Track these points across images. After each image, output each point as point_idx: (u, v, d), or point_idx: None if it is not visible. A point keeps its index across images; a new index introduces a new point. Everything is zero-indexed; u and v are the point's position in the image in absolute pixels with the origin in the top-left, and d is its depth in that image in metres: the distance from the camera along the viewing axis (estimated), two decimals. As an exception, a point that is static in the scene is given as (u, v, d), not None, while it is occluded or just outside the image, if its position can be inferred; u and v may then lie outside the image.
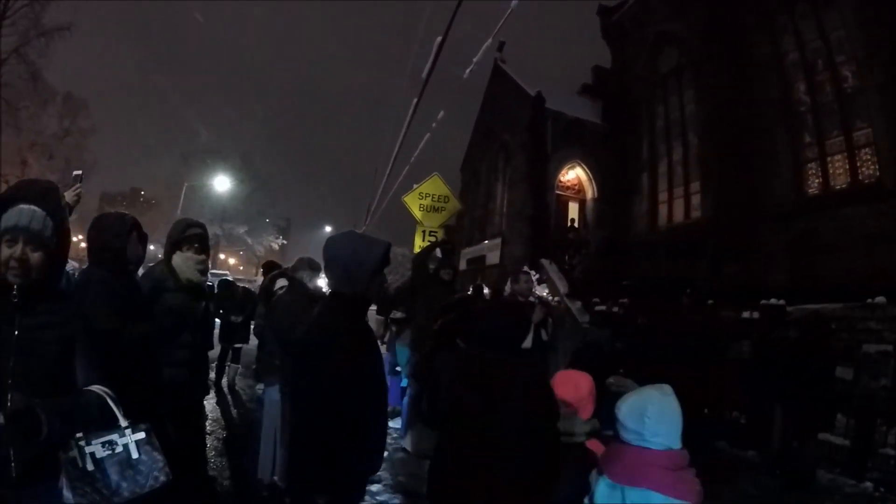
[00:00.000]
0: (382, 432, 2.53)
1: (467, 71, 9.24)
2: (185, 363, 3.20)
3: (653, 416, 2.10)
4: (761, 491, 5.75)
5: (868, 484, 5.85)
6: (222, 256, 45.33)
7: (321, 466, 2.25)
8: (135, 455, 2.03)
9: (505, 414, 2.41)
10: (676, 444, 2.14)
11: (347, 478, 2.32)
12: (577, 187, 21.20)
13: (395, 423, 7.02)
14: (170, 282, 3.22)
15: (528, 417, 2.42)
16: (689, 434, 2.16)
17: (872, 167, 11.41)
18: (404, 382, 7.11)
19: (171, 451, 3.05)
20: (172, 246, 3.30)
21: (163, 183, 43.43)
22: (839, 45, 12.28)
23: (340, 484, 2.30)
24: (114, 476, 1.93)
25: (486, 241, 23.14)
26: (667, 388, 2.21)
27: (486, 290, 10.78)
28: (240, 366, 9.29)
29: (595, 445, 2.58)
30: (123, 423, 2.01)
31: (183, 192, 34.72)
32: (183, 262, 3.28)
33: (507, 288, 7.14)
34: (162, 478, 2.09)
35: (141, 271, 3.35)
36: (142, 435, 2.08)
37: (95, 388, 1.96)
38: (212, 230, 38.85)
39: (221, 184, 37.71)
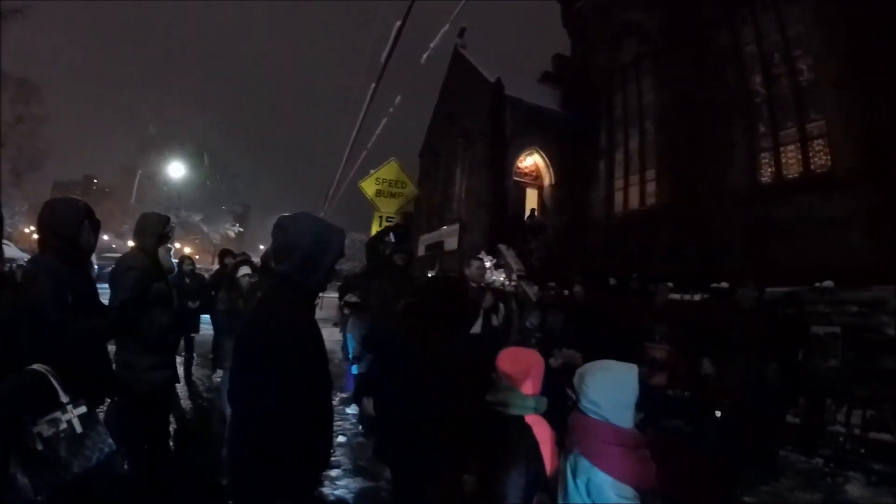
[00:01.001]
0: (330, 430, 2.39)
1: (424, 56, 9.21)
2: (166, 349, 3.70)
3: (591, 381, 2.15)
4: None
5: (819, 460, 5.96)
6: (178, 245, 44.02)
7: (262, 465, 2.06)
8: (79, 430, 2.12)
9: (436, 378, 2.65)
10: (619, 421, 2.13)
11: (296, 479, 2.14)
12: (534, 174, 21.25)
13: (352, 409, 6.93)
14: (155, 273, 3.62)
15: (458, 383, 2.63)
16: (645, 413, 2.26)
17: (825, 157, 11.66)
18: (355, 369, 7.02)
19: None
20: (157, 240, 3.76)
21: (117, 171, 42.30)
22: (797, 39, 12.50)
23: (284, 481, 2.10)
24: (63, 453, 2.04)
25: (445, 227, 23.01)
26: (629, 366, 2.23)
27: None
28: (195, 356, 8.92)
29: (538, 422, 2.61)
30: (64, 398, 2.10)
31: (137, 179, 33.73)
32: (165, 254, 3.84)
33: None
34: (106, 449, 2.22)
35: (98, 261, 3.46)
36: (83, 409, 2.17)
37: (37, 366, 2.04)
38: (166, 218, 37.98)
39: (176, 171, 36.72)
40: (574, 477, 2.14)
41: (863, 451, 5.83)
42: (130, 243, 6.80)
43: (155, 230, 3.77)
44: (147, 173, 36.04)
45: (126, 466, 3.62)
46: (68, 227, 2.78)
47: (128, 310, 3.21)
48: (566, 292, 10.56)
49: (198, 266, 10.14)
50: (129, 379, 3.45)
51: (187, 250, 40.28)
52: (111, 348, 3.49)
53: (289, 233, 2.20)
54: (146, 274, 3.51)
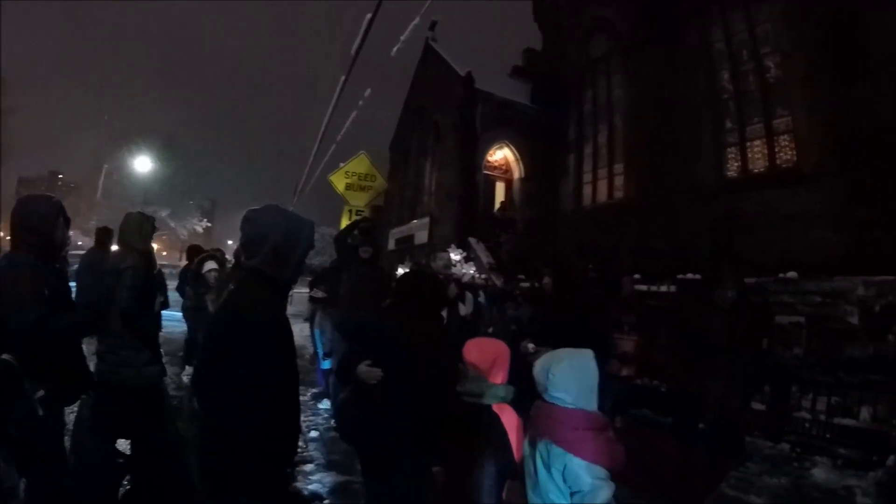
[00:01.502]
0: (297, 424, 2.33)
1: (394, 49, 9.13)
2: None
3: (557, 373, 2.15)
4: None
5: (785, 445, 6.06)
6: None
7: (237, 475, 2.04)
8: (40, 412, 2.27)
9: (405, 365, 2.69)
10: (586, 405, 2.16)
11: (264, 471, 2.11)
12: (505, 167, 21.30)
13: (324, 405, 6.86)
14: (149, 271, 3.83)
15: (424, 371, 2.68)
16: (612, 401, 2.27)
17: (791, 153, 11.89)
18: (326, 364, 6.95)
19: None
20: (146, 238, 4.01)
21: (82, 166, 41.21)
22: (765, 37, 12.70)
23: (262, 479, 2.08)
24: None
25: (415, 221, 22.94)
26: (585, 351, 2.25)
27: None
28: (162, 353, 8.62)
29: (506, 410, 2.68)
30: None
31: (103, 174, 32.92)
32: (152, 251, 4.14)
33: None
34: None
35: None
36: (41, 392, 2.28)
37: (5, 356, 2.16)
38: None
39: (143, 165, 35.95)
40: (548, 467, 2.13)
41: (828, 436, 5.96)
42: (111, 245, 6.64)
43: (145, 230, 3.98)
44: (113, 168, 35.22)
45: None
46: (44, 223, 2.76)
47: (130, 308, 3.46)
48: (535, 284, 10.59)
49: (163, 262, 9.83)
50: (128, 375, 3.59)
51: (155, 246, 39.54)
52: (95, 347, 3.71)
53: (257, 226, 2.16)
54: (141, 272, 3.69)
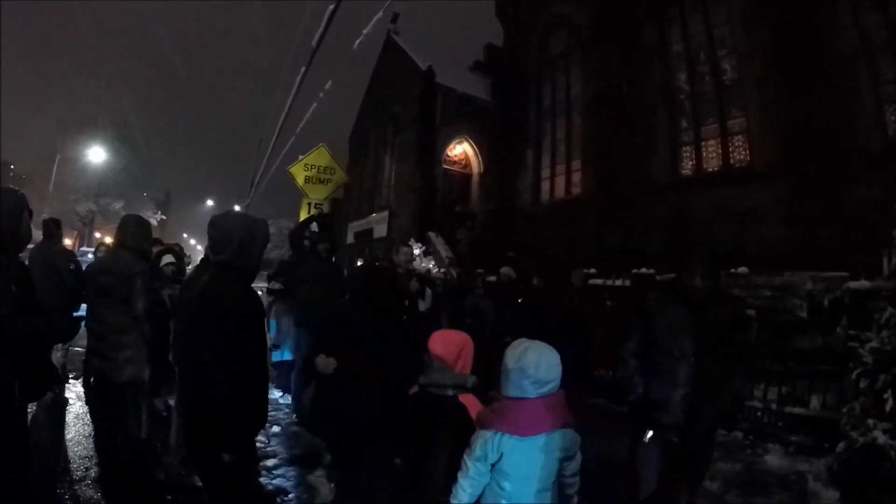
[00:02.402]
0: (265, 389, 2.85)
1: (356, 42, 9.04)
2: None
3: (558, 362, 2.20)
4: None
5: (738, 433, 6.19)
6: (98, 234, 41.29)
7: (219, 426, 2.47)
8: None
9: (365, 357, 2.81)
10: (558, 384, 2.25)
11: (243, 433, 2.62)
12: (464, 162, 21.34)
13: (285, 399, 6.76)
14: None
15: (384, 362, 2.79)
16: (568, 392, 2.29)
17: (744, 153, 12.28)
18: (281, 356, 6.81)
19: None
20: (147, 240, 4.30)
21: (34, 156, 39.31)
22: (722, 39, 13.06)
23: (237, 439, 2.59)
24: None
25: (374, 214, 22.84)
26: (529, 341, 2.29)
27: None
28: None
29: (470, 400, 2.70)
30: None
31: (55, 165, 31.69)
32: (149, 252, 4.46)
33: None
34: None
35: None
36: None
37: None
38: (86, 206, 35.77)
39: (97, 155, 34.67)
40: (548, 452, 2.16)
41: (780, 424, 6.11)
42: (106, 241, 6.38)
43: (147, 234, 4.23)
44: (66, 159, 33.94)
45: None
46: (8, 218, 2.68)
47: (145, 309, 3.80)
48: (522, 285, 10.59)
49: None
50: (134, 371, 3.79)
51: (108, 240, 38.22)
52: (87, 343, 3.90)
53: (222, 228, 2.64)
54: (149, 276, 3.98)
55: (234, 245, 2.59)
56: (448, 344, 2.84)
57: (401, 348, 2.88)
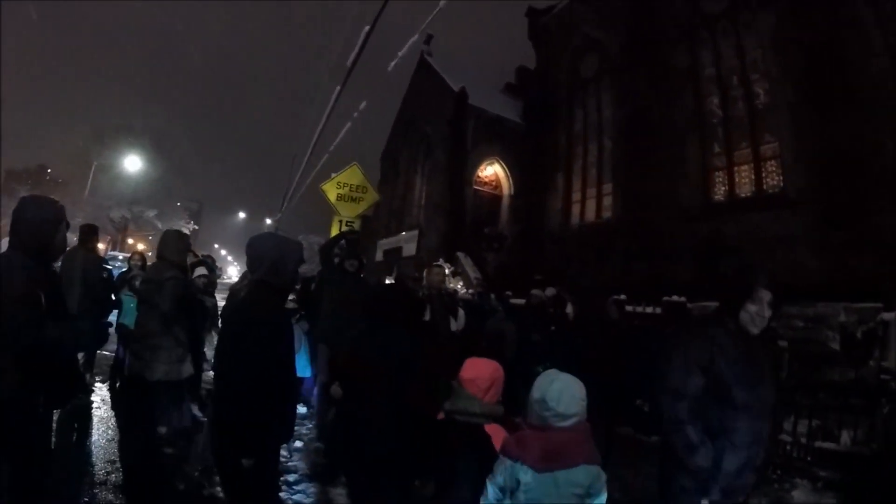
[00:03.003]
0: (294, 403, 3.06)
1: (392, 64, 9.14)
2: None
3: (583, 395, 2.23)
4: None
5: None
6: (130, 241, 42.22)
7: (244, 431, 2.52)
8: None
9: (379, 376, 2.92)
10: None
11: (266, 442, 2.65)
12: (494, 183, 21.43)
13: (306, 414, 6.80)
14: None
15: (398, 381, 2.92)
16: (595, 420, 2.28)
17: (777, 178, 12.14)
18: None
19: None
20: (182, 253, 4.59)
21: (71, 160, 40.18)
22: (754, 63, 13.00)
23: (261, 446, 2.62)
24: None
25: (404, 233, 23.01)
26: (558, 371, 2.33)
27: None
28: None
29: (494, 429, 2.67)
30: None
31: (92, 171, 32.49)
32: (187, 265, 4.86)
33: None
34: None
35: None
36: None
37: None
38: (119, 212, 36.53)
39: (133, 164, 35.50)
40: (567, 487, 2.16)
41: (809, 458, 5.99)
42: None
43: (181, 245, 4.57)
44: (101, 166, 34.75)
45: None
46: (48, 226, 2.73)
47: (170, 313, 4.23)
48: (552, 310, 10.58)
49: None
50: (167, 370, 4.25)
51: (140, 247, 38.95)
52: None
53: (256, 249, 2.81)
54: (181, 283, 4.41)
55: (266, 265, 2.73)
56: (480, 372, 2.80)
57: (416, 368, 3.01)
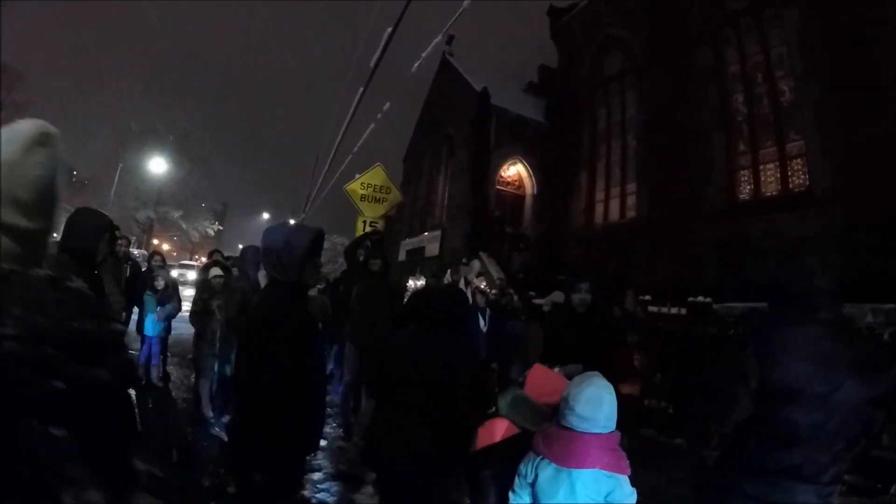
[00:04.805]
0: (321, 414, 2.72)
1: (415, 65, 9.18)
2: None
3: (609, 403, 2.23)
4: (689, 475, 5.86)
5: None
6: (156, 241, 42.82)
7: (261, 444, 2.37)
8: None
9: (427, 385, 2.61)
10: (615, 425, 2.26)
11: (286, 456, 2.45)
12: (517, 183, 21.43)
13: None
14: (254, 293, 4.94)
15: (447, 390, 2.59)
16: (619, 422, 2.27)
17: (803, 177, 12.01)
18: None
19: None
20: (257, 267, 5.18)
21: (95, 162, 40.88)
22: (779, 60, 12.86)
23: (279, 461, 2.43)
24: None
25: (427, 233, 23.11)
26: (597, 374, 2.33)
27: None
28: (169, 355, 8.58)
29: (500, 424, 2.68)
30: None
31: (118, 173, 33.04)
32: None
33: (447, 278, 7.12)
34: None
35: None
36: None
37: None
38: (145, 213, 37.02)
39: (158, 166, 36.02)
40: (583, 489, 2.18)
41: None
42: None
43: (257, 259, 4.88)
44: (127, 167, 35.30)
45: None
46: (94, 233, 2.84)
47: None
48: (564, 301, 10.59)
49: (172, 264, 9.74)
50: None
51: (165, 247, 39.46)
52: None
53: (267, 241, 2.57)
54: (249, 294, 4.98)
55: (273, 258, 2.51)
56: (551, 386, 2.74)
57: (462, 374, 2.67)
